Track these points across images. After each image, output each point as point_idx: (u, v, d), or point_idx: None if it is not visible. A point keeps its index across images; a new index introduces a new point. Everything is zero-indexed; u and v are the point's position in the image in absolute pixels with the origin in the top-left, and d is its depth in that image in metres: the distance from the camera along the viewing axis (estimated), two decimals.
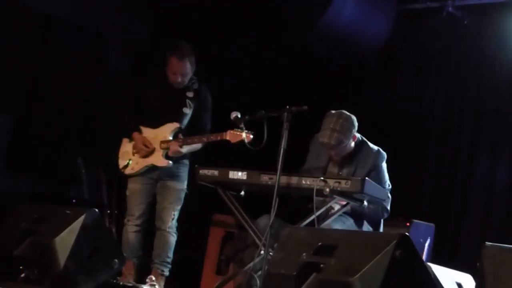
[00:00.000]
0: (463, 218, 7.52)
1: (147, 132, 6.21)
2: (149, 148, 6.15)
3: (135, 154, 6.22)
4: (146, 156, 6.17)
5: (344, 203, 5.16)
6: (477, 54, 7.75)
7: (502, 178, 7.34)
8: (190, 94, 6.27)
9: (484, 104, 7.66)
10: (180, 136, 6.09)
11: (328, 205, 5.12)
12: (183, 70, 6.14)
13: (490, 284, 3.40)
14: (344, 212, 5.30)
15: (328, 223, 5.13)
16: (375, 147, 5.54)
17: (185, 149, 6.11)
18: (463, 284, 4.84)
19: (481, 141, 7.60)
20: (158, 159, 6.15)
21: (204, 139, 6.03)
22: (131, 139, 6.24)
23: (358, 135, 5.52)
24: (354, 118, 5.42)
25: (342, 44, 7.79)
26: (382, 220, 5.57)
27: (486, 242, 3.57)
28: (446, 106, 7.95)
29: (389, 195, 5.37)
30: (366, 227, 5.42)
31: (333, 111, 5.43)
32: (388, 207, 5.38)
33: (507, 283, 3.35)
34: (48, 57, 7.46)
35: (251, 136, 5.53)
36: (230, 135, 5.72)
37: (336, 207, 5.25)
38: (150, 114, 6.22)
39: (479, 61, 7.74)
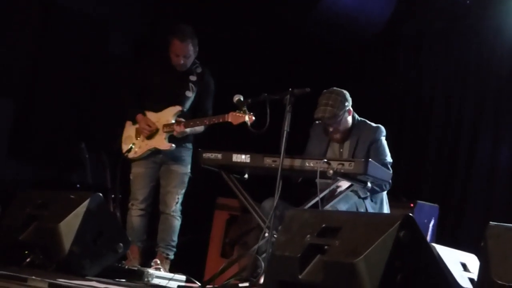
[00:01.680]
0: (467, 198, 7.52)
1: (150, 115, 6.20)
2: (152, 128, 6.15)
3: (138, 138, 6.22)
4: (149, 138, 6.17)
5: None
6: (479, 34, 7.73)
7: (505, 157, 7.34)
8: (193, 78, 6.26)
9: (486, 84, 7.64)
10: (181, 119, 6.09)
11: (332, 187, 5.13)
12: (185, 52, 6.14)
13: (495, 263, 3.41)
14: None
15: (332, 204, 5.14)
16: (374, 124, 5.61)
17: (188, 130, 6.12)
18: (467, 264, 4.85)
19: (483, 121, 7.59)
20: (161, 143, 6.15)
21: (206, 121, 6.04)
22: (134, 122, 6.24)
23: (357, 116, 5.57)
24: (346, 92, 5.50)
25: (343, 26, 7.78)
26: (386, 196, 5.58)
27: (490, 222, 3.58)
28: (448, 87, 7.94)
29: (391, 169, 5.39)
30: (370, 204, 5.44)
31: (325, 90, 5.51)
32: (390, 180, 5.41)
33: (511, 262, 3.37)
34: (49, 42, 7.45)
35: (253, 118, 5.53)
36: (232, 117, 5.73)
37: (339, 188, 5.26)
38: (152, 97, 6.22)
39: (480, 42, 7.72)
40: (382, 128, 5.58)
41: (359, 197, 5.39)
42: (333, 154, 5.57)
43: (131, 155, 6.23)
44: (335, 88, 5.51)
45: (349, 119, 5.53)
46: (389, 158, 5.51)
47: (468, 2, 7.51)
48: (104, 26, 7.90)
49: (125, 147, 6.26)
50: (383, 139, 5.56)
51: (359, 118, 5.60)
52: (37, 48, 7.40)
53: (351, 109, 5.52)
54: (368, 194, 5.41)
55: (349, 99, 5.49)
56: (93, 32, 7.79)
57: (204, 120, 6.06)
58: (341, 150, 5.57)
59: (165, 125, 6.14)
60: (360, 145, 5.49)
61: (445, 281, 3.87)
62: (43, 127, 7.40)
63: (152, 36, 8.01)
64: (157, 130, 6.17)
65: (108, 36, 7.98)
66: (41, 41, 7.42)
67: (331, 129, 5.51)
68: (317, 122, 5.58)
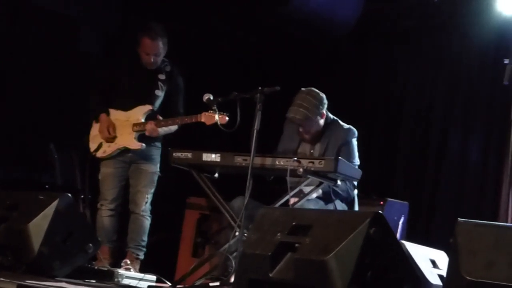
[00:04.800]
0: (436, 195, 7.57)
1: (119, 114, 6.17)
2: (111, 135, 6.12)
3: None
4: (111, 139, 6.14)
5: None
6: (448, 32, 7.78)
7: (474, 155, 7.39)
8: (162, 77, 6.25)
9: (456, 82, 7.70)
10: (159, 117, 6.07)
11: (302, 185, 5.13)
12: (156, 50, 6.12)
13: (464, 259, 3.43)
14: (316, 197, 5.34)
15: (300, 204, 5.14)
16: (346, 125, 5.61)
17: (161, 130, 6.10)
18: (437, 261, 4.87)
19: (453, 119, 7.64)
20: (131, 142, 6.13)
21: (178, 121, 6.03)
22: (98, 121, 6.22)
23: (330, 115, 5.57)
24: (323, 95, 5.49)
25: (314, 23, 7.79)
26: (356, 198, 5.61)
27: (459, 218, 3.60)
28: (418, 84, 7.99)
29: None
30: (340, 204, 5.46)
31: (303, 89, 5.51)
32: (355, 183, 5.42)
33: (480, 258, 3.38)
34: (18, 41, 7.38)
35: (227, 118, 5.52)
36: (205, 117, 5.71)
37: (307, 189, 5.26)
38: (122, 96, 6.19)
39: (450, 40, 7.77)
40: (354, 130, 5.58)
41: (326, 202, 5.41)
42: (304, 154, 5.57)
43: (99, 154, 6.19)
44: (313, 89, 5.50)
45: (322, 121, 5.52)
46: (357, 161, 5.53)
47: (436, 0, 7.53)
48: (74, 24, 7.84)
49: (93, 146, 6.23)
50: (354, 141, 5.56)
51: (332, 117, 5.60)
52: (5, 46, 7.32)
53: (325, 112, 5.52)
54: (334, 198, 5.42)
55: (325, 103, 5.49)
56: (63, 30, 7.73)
57: (176, 120, 6.05)
58: (312, 151, 5.57)
59: (135, 124, 6.11)
60: (330, 146, 5.50)
61: (414, 278, 3.89)
62: (11, 127, 7.32)
63: (122, 34, 7.96)
64: (114, 137, 6.13)
65: (78, 34, 7.93)
66: (9, 40, 7.35)
67: (301, 129, 5.52)
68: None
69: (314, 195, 5.29)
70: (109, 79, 6.25)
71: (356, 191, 5.61)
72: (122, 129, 6.16)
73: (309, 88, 5.52)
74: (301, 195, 5.23)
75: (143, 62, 6.18)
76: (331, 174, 4.95)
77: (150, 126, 6.03)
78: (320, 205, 5.36)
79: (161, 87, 6.24)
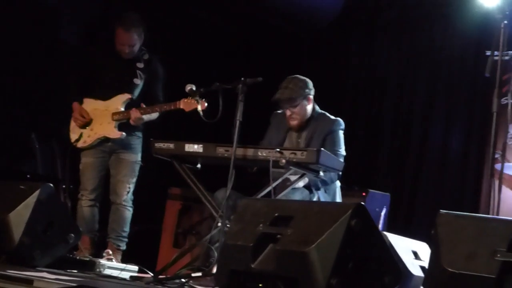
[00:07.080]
0: (418, 187, 7.61)
1: (98, 104, 6.15)
2: (86, 119, 6.09)
3: (87, 127, 6.16)
4: (88, 125, 6.11)
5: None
6: (430, 24, 7.80)
7: (456, 147, 7.43)
8: (140, 65, 6.23)
9: (437, 74, 7.72)
10: (143, 105, 6.05)
11: (284, 177, 5.14)
12: (130, 41, 6.10)
13: (445, 250, 3.44)
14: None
15: (284, 194, 5.15)
16: (334, 117, 5.67)
17: (145, 117, 6.08)
18: (418, 252, 4.89)
19: (435, 110, 7.67)
20: (111, 131, 6.10)
21: (157, 109, 6.01)
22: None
23: (318, 109, 5.62)
24: (308, 81, 5.58)
25: (297, 13, 7.79)
26: (339, 189, 5.62)
27: (441, 210, 3.62)
28: (400, 75, 8.01)
29: (343, 161, 5.43)
30: (323, 195, 5.47)
31: (289, 76, 5.60)
32: (340, 172, 5.45)
33: (461, 249, 3.40)
34: None
35: (206, 104, 5.51)
36: (184, 104, 5.71)
37: (293, 178, 5.27)
38: (100, 86, 6.16)
39: (432, 31, 7.80)
40: (340, 121, 5.62)
41: (311, 192, 5.41)
42: (291, 143, 5.60)
43: (80, 144, 6.16)
44: (298, 75, 5.60)
45: (309, 108, 5.56)
46: (343, 151, 5.54)
47: None
48: (54, 13, 7.79)
49: (73, 136, 6.20)
50: (340, 131, 5.60)
51: (319, 111, 5.65)
52: None
53: (312, 98, 5.56)
54: (320, 186, 5.43)
55: (311, 87, 5.56)
56: (43, 19, 7.67)
57: (155, 107, 6.03)
58: (299, 140, 5.60)
59: (115, 113, 6.09)
60: (316, 135, 5.53)
61: (396, 269, 3.90)
62: None
63: (102, 24, 7.92)
64: (91, 120, 6.11)
65: (58, 23, 7.87)
66: None
67: (288, 113, 5.53)
68: (279, 111, 5.59)
69: (301, 183, 5.29)
70: (87, 69, 6.23)
71: (339, 183, 5.63)
72: (102, 118, 6.13)
73: (295, 75, 5.60)
74: (287, 183, 5.23)
75: (118, 52, 6.16)
76: (313, 165, 4.96)
77: (135, 114, 6.00)
78: (305, 194, 5.36)
79: (140, 75, 6.22)
